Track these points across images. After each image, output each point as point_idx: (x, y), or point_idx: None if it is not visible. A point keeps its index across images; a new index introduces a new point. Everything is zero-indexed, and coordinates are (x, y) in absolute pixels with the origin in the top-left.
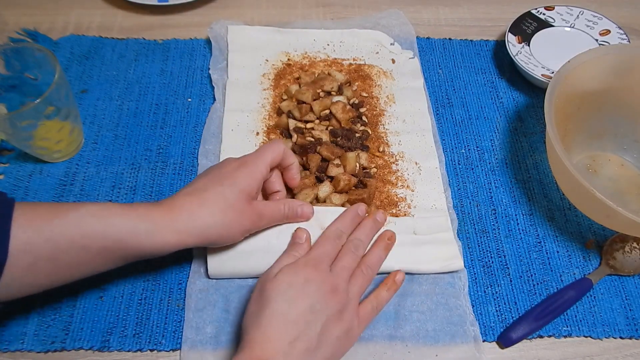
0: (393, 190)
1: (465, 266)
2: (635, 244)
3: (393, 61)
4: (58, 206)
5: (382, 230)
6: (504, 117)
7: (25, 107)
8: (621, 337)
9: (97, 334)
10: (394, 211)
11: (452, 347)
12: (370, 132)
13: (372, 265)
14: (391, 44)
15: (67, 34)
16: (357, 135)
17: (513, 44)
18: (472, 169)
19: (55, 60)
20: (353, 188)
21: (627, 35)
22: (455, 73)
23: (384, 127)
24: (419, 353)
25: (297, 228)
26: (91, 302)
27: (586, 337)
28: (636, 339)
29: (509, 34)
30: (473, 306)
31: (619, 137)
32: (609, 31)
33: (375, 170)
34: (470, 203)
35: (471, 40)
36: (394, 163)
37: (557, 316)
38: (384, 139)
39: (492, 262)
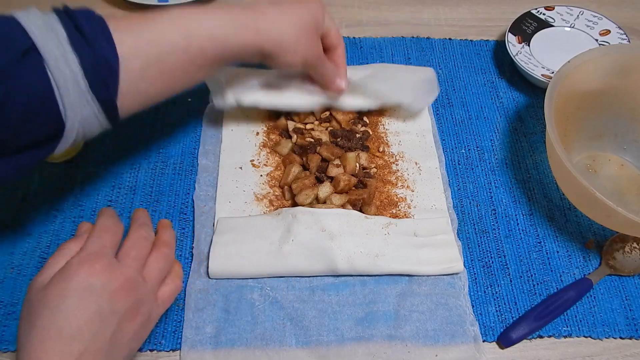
0: (393, 190)
1: (465, 266)
2: (635, 244)
3: None
4: (147, 14)
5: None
6: (504, 117)
7: None
8: (621, 337)
9: None
10: (394, 211)
11: (452, 347)
12: (371, 133)
13: (168, 243)
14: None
15: None
16: (357, 135)
17: (513, 44)
18: (472, 169)
19: None
20: (353, 188)
21: (627, 35)
22: (455, 73)
23: (384, 127)
24: (419, 353)
25: (82, 222)
26: None
27: (586, 337)
28: (636, 339)
29: (509, 34)
30: (473, 306)
31: (619, 137)
32: (609, 31)
33: (375, 170)
34: (470, 203)
35: (471, 40)
36: (394, 163)
37: (557, 316)
38: (384, 139)
39: (492, 262)
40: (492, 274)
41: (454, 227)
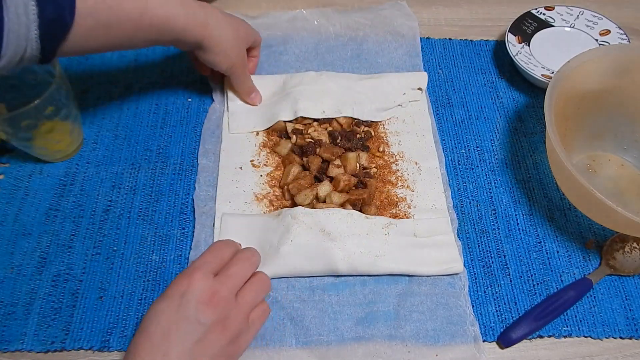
0: (393, 190)
1: (465, 266)
2: (635, 244)
3: None
4: None
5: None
6: (504, 117)
7: (25, 107)
8: (621, 337)
9: (97, 334)
10: (394, 211)
11: (452, 347)
12: (373, 133)
13: (264, 278)
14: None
15: None
16: (357, 136)
17: (513, 44)
18: (472, 169)
19: (55, 60)
20: (353, 188)
21: (627, 35)
22: (455, 73)
23: (384, 127)
24: (419, 353)
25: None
26: (91, 302)
27: (586, 337)
28: (636, 339)
29: (509, 34)
30: (473, 306)
31: (619, 137)
32: (609, 31)
33: (375, 170)
34: (470, 203)
35: (471, 40)
36: (394, 163)
37: (557, 316)
38: (384, 139)
39: (492, 262)
40: (492, 274)
41: (454, 227)
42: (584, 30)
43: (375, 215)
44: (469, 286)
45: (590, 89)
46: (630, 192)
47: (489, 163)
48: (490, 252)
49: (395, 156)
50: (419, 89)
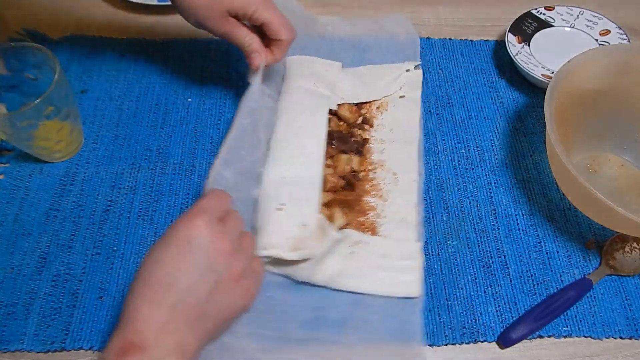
0: (365, 198)
1: (465, 266)
2: (635, 244)
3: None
4: None
5: None
6: (504, 117)
7: (25, 107)
8: (621, 337)
9: (97, 334)
10: (362, 219)
11: (400, 349)
12: (370, 140)
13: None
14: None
15: (67, 34)
16: (353, 139)
17: (513, 44)
18: (472, 169)
19: (55, 60)
20: (341, 189)
21: (627, 35)
22: (455, 73)
23: (370, 134)
24: (365, 357)
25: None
26: (91, 302)
27: (586, 337)
28: (636, 339)
29: (509, 34)
30: (473, 306)
31: (619, 137)
32: (609, 31)
33: (364, 174)
34: (470, 203)
35: (471, 40)
36: (372, 171)
37: (557, 316)
38: (367, 145)
39: (492, 262)
40: (492, 274)
41: (421, 243)
42: (584, 30)
43: (354, 220)
44: (469, 286)
45: (590, 89)
46: (630, 192)
47: (489, 163)
48: (490, 252)
49: (375, 164)
50: (416, 67)
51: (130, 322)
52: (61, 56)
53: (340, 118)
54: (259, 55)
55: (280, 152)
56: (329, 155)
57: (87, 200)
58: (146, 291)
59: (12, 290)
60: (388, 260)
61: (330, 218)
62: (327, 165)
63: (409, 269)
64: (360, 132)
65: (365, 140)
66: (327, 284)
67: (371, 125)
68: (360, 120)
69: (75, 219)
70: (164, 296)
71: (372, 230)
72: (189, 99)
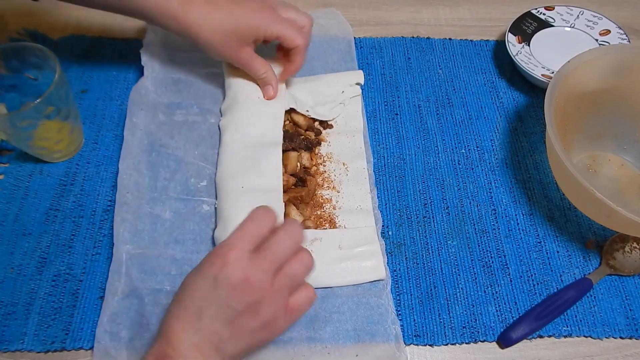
0: (319, 192)
1: (465, 266)
2: (635, 244)
3: None
4: None
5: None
6: (504, 117)
7: (25, 107)
8: (621, 337)
9: None
10: (319, 212)
11: (373, 346)
12: (320, 141)
13: (309, 254)
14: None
15: (67, 34)
16: (301, 137)
17: (513, 44)
18: (472, 169)
19: (55, 60)
20: (292, 187)
21: (627, 35)
22: (455, 73)
23: (314, 129)
24: (339, 353)
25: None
26: (91, 302)
27: (586, 337)
28: (636, 339)
29: (509, 34)
30: (473, 306)
31: (619, 137)
32: (609, 31)
33: (315, 169)
34: (470, 203)
35: (471, 40)
36: (321, 164)
37: (557, 316)
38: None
39: (492, 262)
40: (492, 274)
41: (378, 227)
42: (584, 30)
43: (310, 217)
44: (469, 286)
45: (590, 89)
46: (630, 192)
47: (489, 163)
48: (490, 252)
49: (324, 157)
50: (357, 84)
51: (164, 336)
52: (61, 56)
53: (291, 120)
54: (272, 88)
55: (240, 165)
56: None
57: (87, 200)
58: (181, 312)
59: (12, 290)
60: (346, 249)
61: (287, 217)
62: None
63: (369, 253)
64: (311, 133)
65: (316, 140)
66: None
67: (324, 127)
68: (314, 125)
69: (76, 219)
70: (194, 322)
71: (331, 222)
72: None
